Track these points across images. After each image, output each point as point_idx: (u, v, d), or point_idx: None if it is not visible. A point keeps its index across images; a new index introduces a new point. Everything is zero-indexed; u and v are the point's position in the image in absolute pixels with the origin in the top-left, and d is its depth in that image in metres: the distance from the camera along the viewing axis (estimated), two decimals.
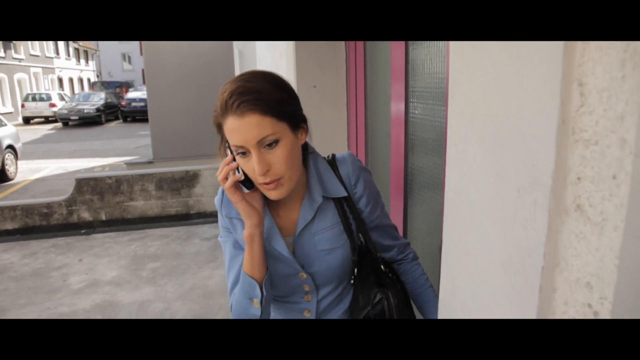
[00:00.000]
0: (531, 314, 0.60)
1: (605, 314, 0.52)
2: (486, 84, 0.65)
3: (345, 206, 1.04)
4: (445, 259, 0.82)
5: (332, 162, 1.06)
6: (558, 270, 0.58)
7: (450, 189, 0.77)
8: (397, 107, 1.79)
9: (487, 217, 0.67)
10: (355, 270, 1.07)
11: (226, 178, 0.93)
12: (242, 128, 0.86)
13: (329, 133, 2.35)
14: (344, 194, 1.03)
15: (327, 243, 1.02)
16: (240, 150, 0.89)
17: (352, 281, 1.08)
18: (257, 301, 0.95)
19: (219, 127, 0.92)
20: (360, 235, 1.08)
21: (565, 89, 0.52)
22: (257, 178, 0.90)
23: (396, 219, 1.88)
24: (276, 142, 0.88)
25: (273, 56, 3.12)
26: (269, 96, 0.87)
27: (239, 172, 0.93)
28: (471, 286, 0.74)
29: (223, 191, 1.04)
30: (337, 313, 1.09)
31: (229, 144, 0.92)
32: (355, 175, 1.05)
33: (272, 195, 0.93)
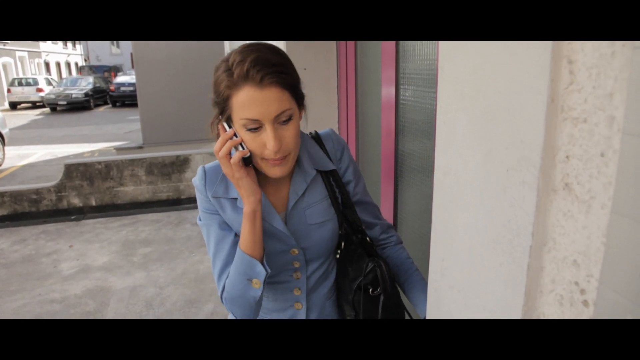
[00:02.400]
0: (519, 293, 0.61)
1: (591, 292, 0.52)
2: (476, 61, 0.65)
3: (332, 180, 1.05)
4: (435, 239, 0.82)
5: (317, 138, 1.07)
6: (546, 249, 0.58)
7: (440, 169, 0.77)
8: (387, 91, 1.78)
9: (476, 196, 0.67)
10: (343, 243, 1.07)
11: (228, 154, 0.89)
12: (262, 101, 0.83)
13: (319, 116, 2.34)
14: (333, 167, 1.04)
15: (318, 217, 1.02)
16: (251, 125, 0.86)
17: (337, 255, 1.08)
18: (257, 281, 0.92)
19: (226, 99, 0.87)
20: (345, 209, 1.08)
21: (554, 67, 0.51)
22: (265, 154, 0.88)
23: (387, 202, 1.89)
24: (290, 118, 0.88)
25: None
26: (289, 71, 0.86)
27: (243, 148, 0.89)
28: (460, 266, 0.74)
29: (205, 171, 1.00)
30: (324, 290, 1.09)
31: (229, 119, 0.89)
32: (340, 149, 1.07)
33: (276, 171, 0.91)
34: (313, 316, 1.08)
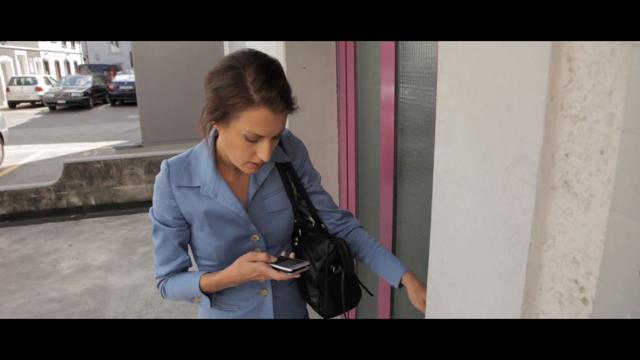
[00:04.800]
0: (518, 290, 0.61)
1: (590, 289, 0.52)
2: (475, 59, 0.64)
3: (287, 173, 1.14)
4: (434, 237, 0.82)
5: None
6: (545, 247, 0.58)
7: (439, 167, 0.77)
8: (387, 90, 1.78)
9: (475, 194, 0.67)
10: (300, 231, 1.17)
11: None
12: (273, 122, 0.92)
13: (318, 115, 2.33)
14: (288, 159, 1.14)
15: (276, 205, 1.11)
16: (253, 138, 0.93)
17: (295, 242, 1.18)
18: (197, 300, 1.09)
19: (237, 110, 0.91)
20: (301, 200, 1.18)
21: (554, 64, 0.51)
22: (253, 159, 0.97)
23: (386, 201, 1.89)
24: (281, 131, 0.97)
25: None
26: (291, 94, 0.95)
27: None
28: (459, 264, 0.74)
29: (168, 164, 1.05)
30: None
31: (215, 121, 0.95)
32: (295, 146, 1.17)
33: (253, 171, 1.01)
34: (279, 301, 1.16)
